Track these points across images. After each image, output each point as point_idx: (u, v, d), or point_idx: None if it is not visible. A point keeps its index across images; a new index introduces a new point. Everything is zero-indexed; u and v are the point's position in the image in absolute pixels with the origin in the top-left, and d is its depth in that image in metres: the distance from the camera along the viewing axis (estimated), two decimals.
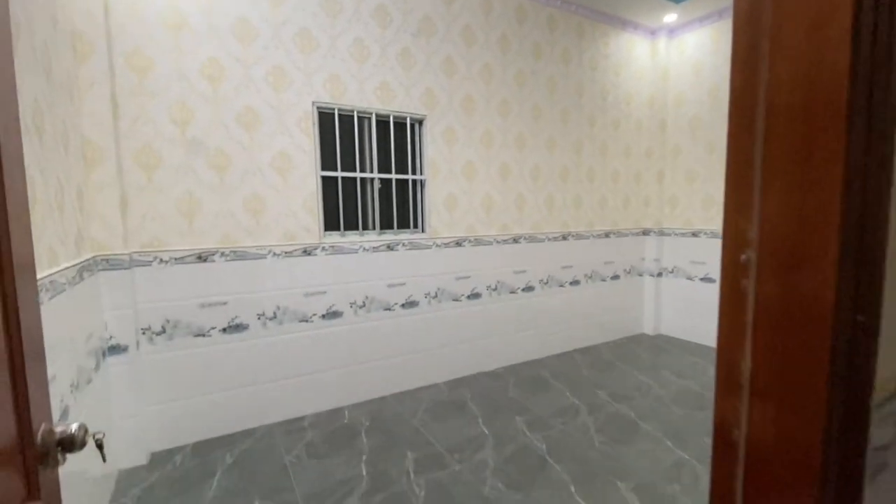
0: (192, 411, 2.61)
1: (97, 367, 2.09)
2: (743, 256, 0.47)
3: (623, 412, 2.95)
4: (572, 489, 2.14)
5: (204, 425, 2.64)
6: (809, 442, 0.43)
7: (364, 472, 2.30)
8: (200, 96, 2.53)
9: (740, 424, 0.48)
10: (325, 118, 2.99)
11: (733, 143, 0.48)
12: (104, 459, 0.86)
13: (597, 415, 2.91)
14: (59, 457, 0.79)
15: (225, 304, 2.67)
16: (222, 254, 2.64)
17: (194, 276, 2.58)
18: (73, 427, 0.80)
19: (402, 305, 3.32)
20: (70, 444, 0.79)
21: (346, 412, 3.00)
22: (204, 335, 2.63)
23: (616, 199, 4.58)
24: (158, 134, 2.44)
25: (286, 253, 2.84)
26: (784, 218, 0.43)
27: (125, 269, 2.34)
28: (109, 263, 2.29)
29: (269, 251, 2.78)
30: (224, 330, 2.69)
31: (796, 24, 0.41)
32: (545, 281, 4.10)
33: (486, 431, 2.72)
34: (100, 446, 0.85)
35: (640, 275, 4.86)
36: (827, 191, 0.40)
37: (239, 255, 2.69)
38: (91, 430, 0.83)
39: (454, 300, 3.57)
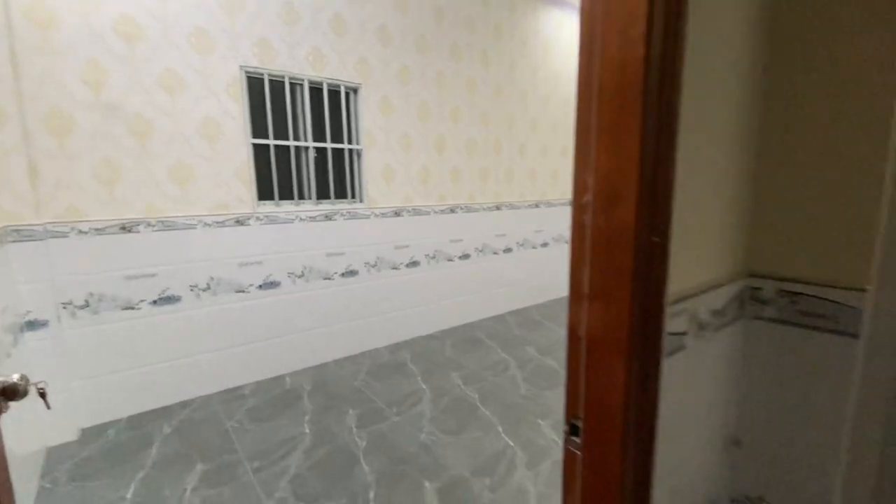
0: (124, 385, 2.56)
1: (15, 342, 2.00)
2: (585, 199, 0.63)
3: (547, 363, 3.27)
4: (500, 429, 2.40)
5: (138, 398, 2.61)
6: (622, 330, 0.61)
7: (307, 430, 2.42)
8: (115, 56, 2.38)
9: (583, 323, 0.66)
10: (254, 83, 2.91)
11: (579, 113, 0.63)
12: (48, 406, 0.91)
13: (524, 367, 3.21)
14: (2, 404, 0.84)
15: (154, 275, 2.60)
16: (148, 224, 2.56)
17: (118, 247, 2.48)
18: (15, 377, 0.84)
19: (342, 274, 3.39)
20: (13, 392, 0.84)
21: (288, 379, 3.07)
22: (133, 308, 2.56)
23: (545, 171, 4.85)
24: (68, 96, 2.28)
25: (218, 223, 2.79)
26: (607, 169, 0.59)
27: (39, 240, 2.22)
28: (21, 234, 2.16)
29: (200, 221, 2.72)
30: (154, 302, 2.63)
31: (614, 26, 0.56)
32: (480, 249, 4.32)
33: (424, 387, 2.91)
34: (42, 395, 0.90)
35: (567, 242, 5.22)
36: (630, 148, 0.56)
37: (167, 226, 2.62)
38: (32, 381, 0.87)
39: (393, 268, 3.69)
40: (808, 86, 0.75)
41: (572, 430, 0.71)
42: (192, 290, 2.74)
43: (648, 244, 0.59)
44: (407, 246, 3.76)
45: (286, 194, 3.14)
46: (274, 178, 3.05)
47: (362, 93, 3.35)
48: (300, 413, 2.60)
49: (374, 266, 3.56)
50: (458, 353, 3.49)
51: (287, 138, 3.09)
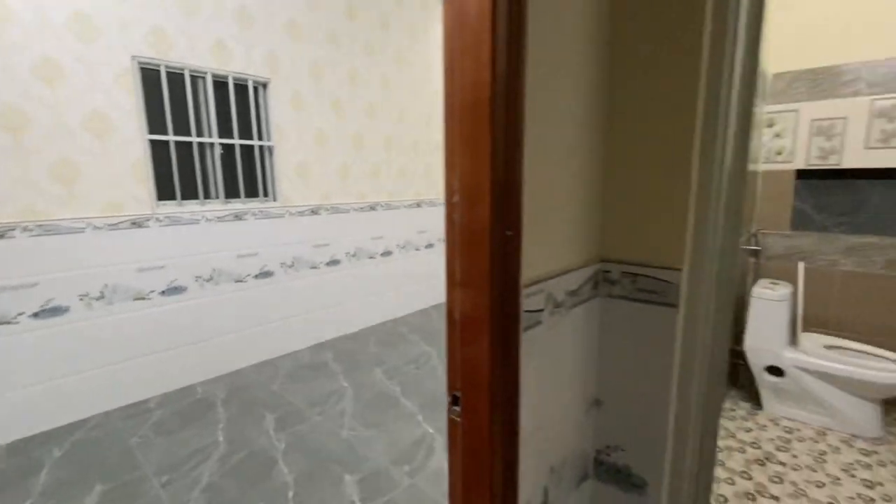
0: (2, 409, 2.28)
1: None
2: (454, 199, 0.73)
3: None
4: (420, 418, 2.49)
5: (21, 422, 2.34)
6: (485, 309, 0.71)
7: (221, 439, 2.33)
8: None
9: (457, 306, 0.75)
10: (149, 75, 2.71)
11: (446, 123, 0.72)
12: None
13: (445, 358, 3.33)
14: None
15: (34, 285, 2.35)
16: (25, 228, 2.30)
17: None
18: None
19: (256, 276, 3.28)
20: None
21: (199, 388, 2.92)
22: (8, 322, 2.29)
23: None
24: None
25: (110, 225, 2.57)
26: (468, 173, 0.69)
27: None
28: None
29: (89, 224, 2.50)
30: (36, 315, 2.37)
31: (467, 51, 0.66)
32: (402, 245, 4.39)
33: (346, 385, 2.93)
34: None
35: None
36: (483, 156, 0.67)
37: (48, 230, 2.37)
38: None
39: (312, 268, 3.63)
40: (635, 98, 0.91)
41: (454, 400, 0.81)
42: (81, 299, 2.51)
43: (503, 238, 0.70)
44: (326, 244, 3.72)
45: (190, 193, 2.97)
46: (175, 176, 2.87)
47: (272, 87, 3.25)
48: (213, 422, 2.50)
49: (290, 266, 3.48)
50: (382, 350, 3.53)
51: (189, 134, 2.92)
